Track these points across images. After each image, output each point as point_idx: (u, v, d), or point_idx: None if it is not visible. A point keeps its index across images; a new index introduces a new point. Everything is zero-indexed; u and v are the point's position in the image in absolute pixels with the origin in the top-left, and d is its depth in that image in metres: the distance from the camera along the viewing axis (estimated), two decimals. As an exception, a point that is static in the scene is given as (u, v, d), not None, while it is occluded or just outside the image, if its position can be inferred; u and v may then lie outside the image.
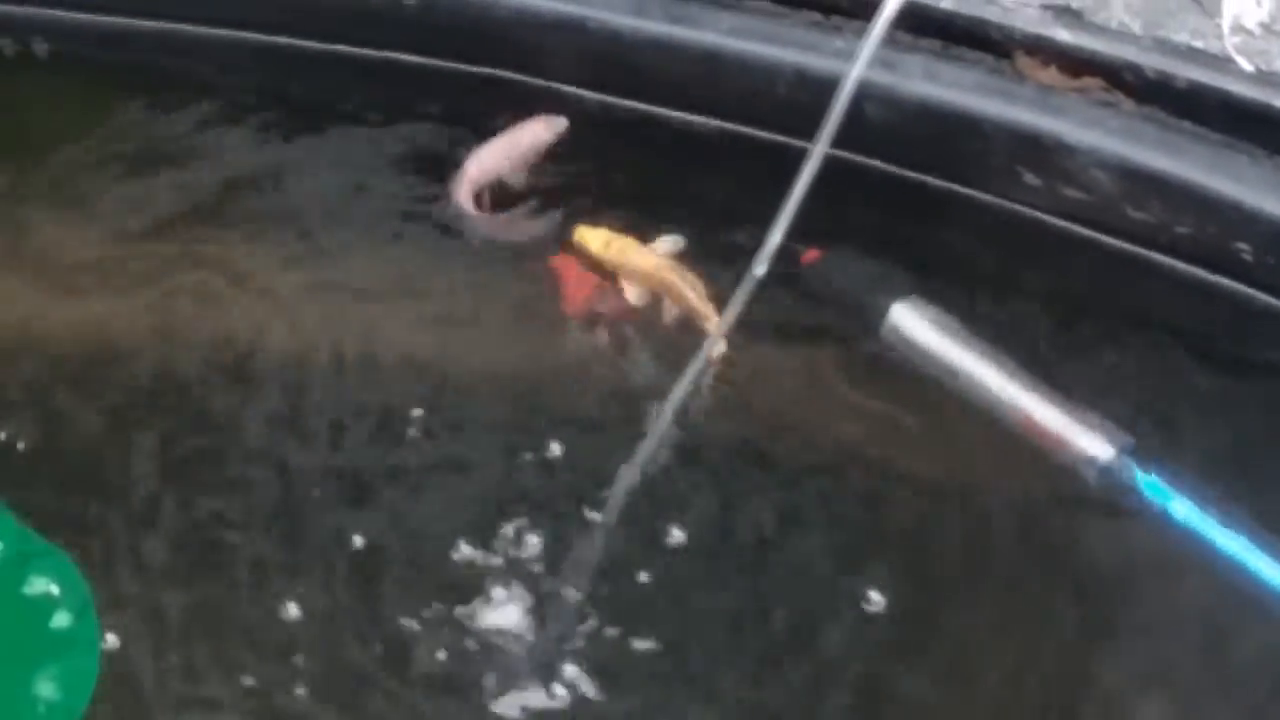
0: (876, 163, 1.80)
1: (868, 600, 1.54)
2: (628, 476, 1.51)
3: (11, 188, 1.89)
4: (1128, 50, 1.72)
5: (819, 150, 1.37)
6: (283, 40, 1.97)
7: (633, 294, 1.77)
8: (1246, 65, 1.71)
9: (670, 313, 1.75)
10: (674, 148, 1.90)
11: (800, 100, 1.73)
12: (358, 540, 1.59)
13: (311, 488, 1.63)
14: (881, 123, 1.75)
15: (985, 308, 1.73)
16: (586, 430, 1.68)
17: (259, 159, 1.91)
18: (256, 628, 1.54)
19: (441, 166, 1.86)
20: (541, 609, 1.54)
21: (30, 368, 1.74)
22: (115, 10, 1.99)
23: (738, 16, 1.83)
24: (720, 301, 1.60)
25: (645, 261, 1.76)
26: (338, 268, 1.82)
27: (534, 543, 1.58)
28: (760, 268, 1.41)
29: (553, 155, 1.87)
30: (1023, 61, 1.75)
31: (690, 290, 1.72)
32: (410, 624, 1.54)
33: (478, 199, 1.84)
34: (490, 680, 1.51)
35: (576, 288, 1.79)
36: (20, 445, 1.66)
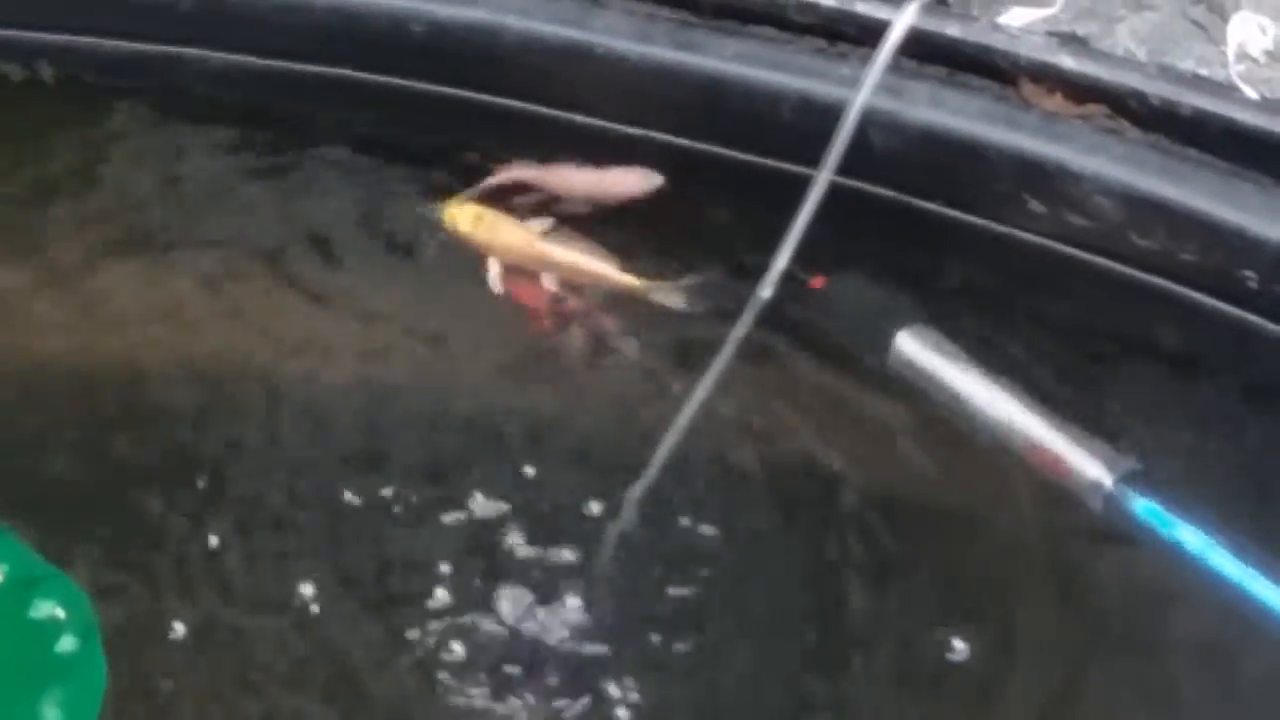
0: (881, 189, 1.80)
1: (863, 623, 1.55)
2: (642, 483, 1.53)
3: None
4: (1133, 77, 1.72)
5: (824, 177, 1.38)
6: (298, 66, 1.97)
7: (495, 274, 1.69)
8: (1251, 93, 1.71)
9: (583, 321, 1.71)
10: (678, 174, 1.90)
11: (805, 127, 1.73)
12: (367, 564, 1.60)
13: (319, 509, 1.63)
14: (886, 149, 1.75)
15: (990, 334, 1.73)
16: (586, 437, 1.69)
17: (267, 185, 1.91)
18: (264, 650, 1.54)
19: (445, 192, 1.85)
20: (543, 619, 1.55)
21: (35, 391, 1.74)
22: (125, 35, 2.00)
23: (742, 43, 1.83)
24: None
25: (515, 237, 1.69)
26: (343, 293, 1.82)
27: (539, 556, 1.59)
28: (766, 290, 1.42)
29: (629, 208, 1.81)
30: (1028, 88, 1.75)
31: (578, 255, 1.66)
32: (426, 643, 1.54)
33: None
34: (499, 692, 1.52)
35: (531, 304, 1.77)
36: (23, 469, 1.67)
